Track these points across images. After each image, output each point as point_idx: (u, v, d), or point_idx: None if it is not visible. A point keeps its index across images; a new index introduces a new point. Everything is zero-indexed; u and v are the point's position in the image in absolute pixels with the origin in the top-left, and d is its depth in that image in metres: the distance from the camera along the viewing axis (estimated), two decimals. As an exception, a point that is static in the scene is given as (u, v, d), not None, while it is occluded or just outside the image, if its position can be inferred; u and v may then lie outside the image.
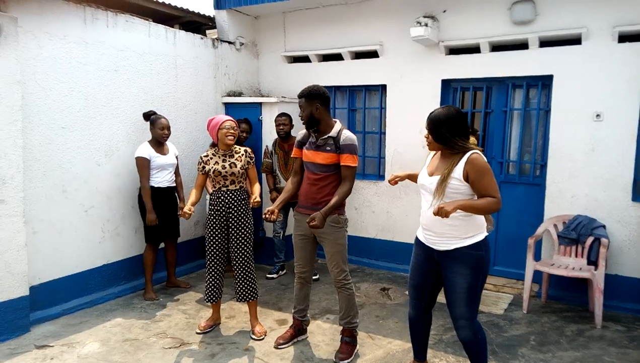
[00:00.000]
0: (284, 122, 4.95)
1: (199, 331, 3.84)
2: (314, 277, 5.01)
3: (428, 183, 2.74)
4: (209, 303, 3.92)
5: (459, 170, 2.62)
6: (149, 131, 4.49)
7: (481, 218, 2.76)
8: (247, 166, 3.73)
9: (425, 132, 2.82)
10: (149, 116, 4.49)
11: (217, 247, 3.74)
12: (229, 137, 3.65)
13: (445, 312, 3.18)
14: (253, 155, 3.80)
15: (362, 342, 3.69)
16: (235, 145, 3.77)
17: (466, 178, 2.61)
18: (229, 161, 3.68)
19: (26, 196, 3.79)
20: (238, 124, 4.85)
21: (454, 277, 2.72)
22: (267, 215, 3.28)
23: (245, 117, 5.29)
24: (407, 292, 3.45)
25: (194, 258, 5.37)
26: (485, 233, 2.77)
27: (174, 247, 4.75)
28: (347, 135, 3.30)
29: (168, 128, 4.47)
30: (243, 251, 3.71)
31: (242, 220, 3.71)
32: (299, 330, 3.71)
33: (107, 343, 3.67)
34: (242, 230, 3.70)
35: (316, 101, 3.27)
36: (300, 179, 3.50)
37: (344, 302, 3.43)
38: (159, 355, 3.50)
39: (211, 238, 3.74)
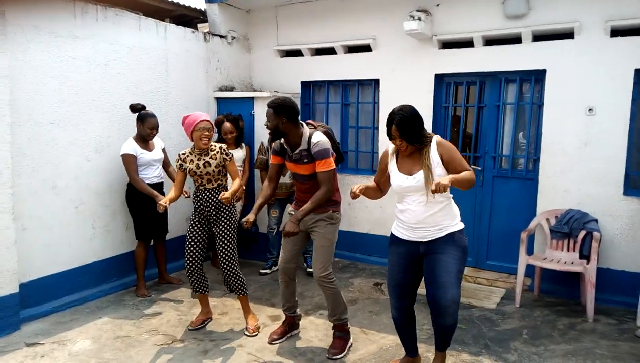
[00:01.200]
0: None
1: (191, 327, 3.82)
2: (309, 270, 5.01)
3: (415, 182, 2.76)
4: (196, 295, 3.90)
5: (435, 157, 2.74)
6: (135, 126, 4.36)
7: (455, 206, 2.93)
8: (222, 163, 3.67)
9: (386, 147, 2.89)
10: (137, 110, 4.32)
11: (193, 243, 3.74)
12: (203, 140, 3.61)
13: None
14: (229, 152, 3.73)
15: (356, 337, 3.69)
16: (212, 143, 3.71)
17: (442, 161, 2.74)
18: (203, 160, 3.64)
19: (15, 192, 3.74)
20: (219, 124, 4.81)
21: (445, 257, 2.77)
22: (243, 224, 3.29)
23: (230, 112, 5.10)
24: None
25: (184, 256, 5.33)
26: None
27: (163, 244, 4.71)
28: (316, 141, 3.25)
29: (157, 127, 4.37)
30: (224, 248, 3.69)
31: (223, 218, 3.68)
32: (291, 325, 3.70)
33: (98, 340, 3.64)
34: (223, 227, 3.68)
35: (282, 116, 3.25)
36: (276, 184, 3.53)
37: (329, 301, 3.41)
38: (151, 352, 3.48)
39: (190, 234, 3.75)
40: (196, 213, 3.74)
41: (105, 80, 4.43)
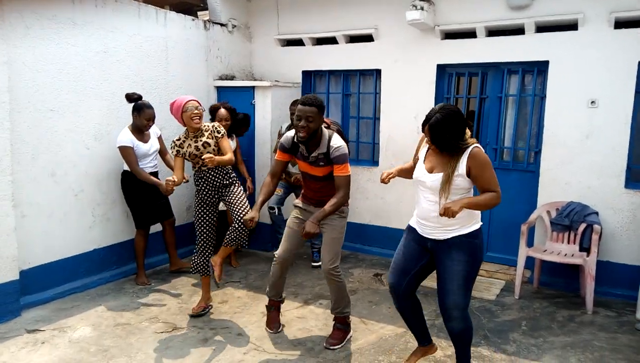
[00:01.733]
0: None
1: (192, 314, 3.83)
2: (314, 264, 5.00)
3: (430, 181, 2.66)
4: (201, 277, 3.91)
5: (462, 166, 2.58)
6: (132, 116, 4.28)
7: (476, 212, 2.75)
8: (216, 141, 3.68)
9: (421, 133, 2.71)
10: (133, 99, 4.22)
11: (203, 224, 3.78)
12: (195, 119, 3.60)
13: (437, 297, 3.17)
14: (221, 128, 3.72)
15: (355, 327, 3.70)
16: (204, 123, 3.70)
17: (468, 173, 2.58)
18: (201, 141, 3.65)
19: (14, 179, 3.72)
20: (215, 111, 4.73)
21: (451, 264, 2.68)
22: (247, 223, 3.24)
23: (227, 101, 4.95)
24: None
25: (186, 244, 5.33)
26: (481, 223, 2.76)
27: (171, 227, 4.67)
28: (336, 146, 3.16)
29: (153, 119, 4.29)
30: (241, 204, 3.67)
31: (229, 186, 3.73)
32: (279, 310, 3.72)
33: (98, 327, 3.64)
34: (233, 192, 3.72)
35: (323, 115, 3.12)
36: (278, 180, 3.44)
37: (334, 293, 3.40)
38: (150, 339, 3.48)
39: (198, 216, 3.77)
40: (201, 195, 3.74)
41: (104, 68, 4.40)
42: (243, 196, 3.75)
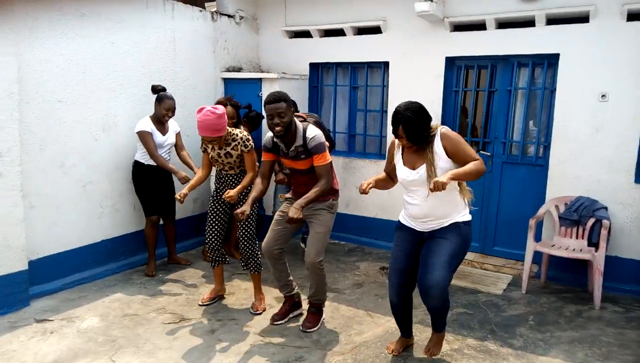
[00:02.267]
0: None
1: (201, 303, 3.87)
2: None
3: (418, 176, 2.76)
4: (213, 268, 3.94)
5: (439, 149, 2.72)
6: (153, 106, 4.36)
7: (464, 199, 2.89)
8: (242, 155, 3.66)
9: (393, 137, 2.81)
10: (157, 91, 4.33)
11: (214, 221, 3.82)
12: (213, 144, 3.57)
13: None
14: (249, 143, 3.65)
15: (362, 319, 3.71)
16: (234, 131, 3.66)
17: (446, 153, 2.71)
18: (225, 150, 3.65)
19: (23, 170, 3.74)
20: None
21: (441, 241, 2.79)
22: (238, 216, 3.23)
23: (231, 95, 4.87)
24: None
25: (194, 235, 5.35)
26: (470, 216, 2.92)
27: (172, 223, 4.72)
28: (311, 136, 3.22)
29: (173, 110, 4.35)
30: (245, 227, 3.73)
31: (244, 199, 3.70)
32: (293, 305, 3.73)
33: (106, 318, 3.67)
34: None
35: (293, 109, 3.21)
36: (268, 181, 3.48)
37: (316, 283, 3.48)
38: (158, 330, 3.51)
39: (211, 212, 3.82)
40: (217, 195, 3.81)
41: (112, 60, 4.40)
42: (251, 219, 3.73)
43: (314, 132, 3.25)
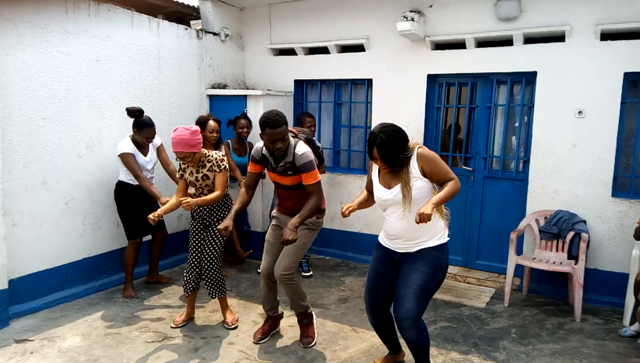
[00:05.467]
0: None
1: (173, 326, 3.82)
2: (304, 274, 5.00)
3: (392, 196, 2.74)
4: (188, 294, 3.88)
5: (414, 170, 2.69)
6: (126, 123, 4.28)
7: (441, 221, 2.83)
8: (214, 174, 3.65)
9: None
10: (134, 114, 4.14)
11: (195, 243, 3.79)
12: (186, 161, 3.56)
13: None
14: (223, 163, 3.63)
15: (347, 335, 3.71)
16: (210, 152, 3.65)
17: (423, 173, 2.68)
18: (202, 173, 3.63)
19: (5, 188, 3.71)
20: (204, 122, 4.71)
21: (411, 272, 2.75)
22: (222, 232, 3.23)
23: (210, 113, 4.94)
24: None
25: (177, 252, 5.32)
26: (448, 238, 2.84)
27: (162, 240, 4.63)
28: (300, 154, 3.19)
29: (153, 136, 4.26)
30: (211, 251, 3.72)
31: (216, 223, 3.73)
32: (275, 323, 3.73)
33: (88, 337, 3.62)
34: (214, 233, 3.72)
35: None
36: (253, 192, 3.47)
37: (291, 295, 3.45)
38: (141, 349, 3.47)
39: (192, 235, 3.81)
40: (196, 217, 3.78)
41: (97, 76, 4.41)
42: (215, 244, 3.72)
43: (302, 149, 3.24)
